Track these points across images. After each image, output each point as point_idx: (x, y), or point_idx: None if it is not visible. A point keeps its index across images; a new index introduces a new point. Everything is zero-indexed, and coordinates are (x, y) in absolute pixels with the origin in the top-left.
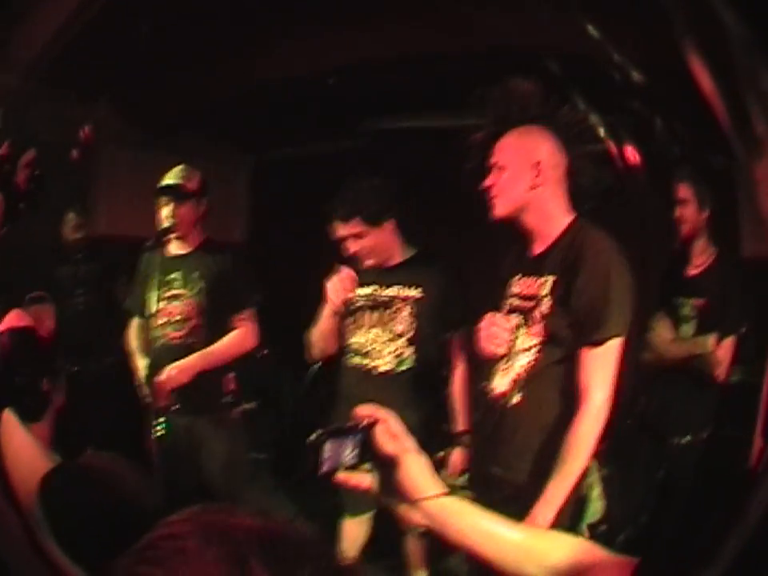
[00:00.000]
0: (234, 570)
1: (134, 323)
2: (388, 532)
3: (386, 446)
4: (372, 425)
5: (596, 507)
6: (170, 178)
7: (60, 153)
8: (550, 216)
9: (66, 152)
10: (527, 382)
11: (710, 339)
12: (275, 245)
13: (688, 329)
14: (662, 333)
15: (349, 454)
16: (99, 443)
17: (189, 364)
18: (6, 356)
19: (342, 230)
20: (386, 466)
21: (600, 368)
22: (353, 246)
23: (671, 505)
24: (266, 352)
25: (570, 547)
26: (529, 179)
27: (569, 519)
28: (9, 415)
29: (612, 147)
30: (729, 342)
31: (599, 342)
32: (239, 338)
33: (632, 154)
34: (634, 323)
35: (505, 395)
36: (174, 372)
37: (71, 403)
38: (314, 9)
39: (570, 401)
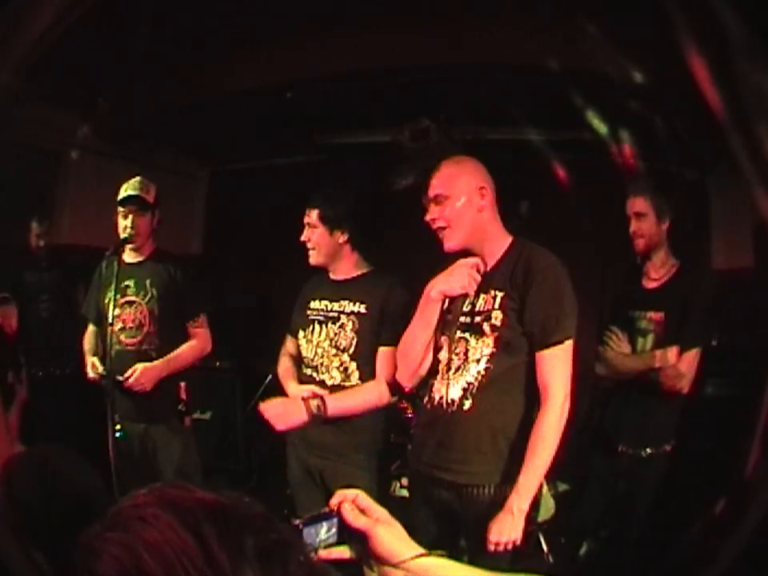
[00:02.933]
0: (187, 535)
1: (90, 329)
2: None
3: (355, 522)
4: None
5: (548, 505)
6: (129, 189)
7: (27, 160)
8: (494, 237)
9: (33, 159)
10: (479, 389)
11: (670, 352)
12: (230, 257)
13: (645, 343)
14: (617, 347)
15: (325, 535)
16: (59, 443)
17: (154, 367)
18: None
19: (305, 216)
20: (362, 539)
21: (558, 367)
22: (306, 234)
23: (633, 518)
24: (218, 364)
25: None
26: (476, 204)
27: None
28: None
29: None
30: (692, 355)
31: (557, 343)
32: (197, 343)
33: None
34: (588, 336)
35: (454, 403)
36: (139, 376)
37: (36, 406)
38: (272, 24)
39: (522, 403)
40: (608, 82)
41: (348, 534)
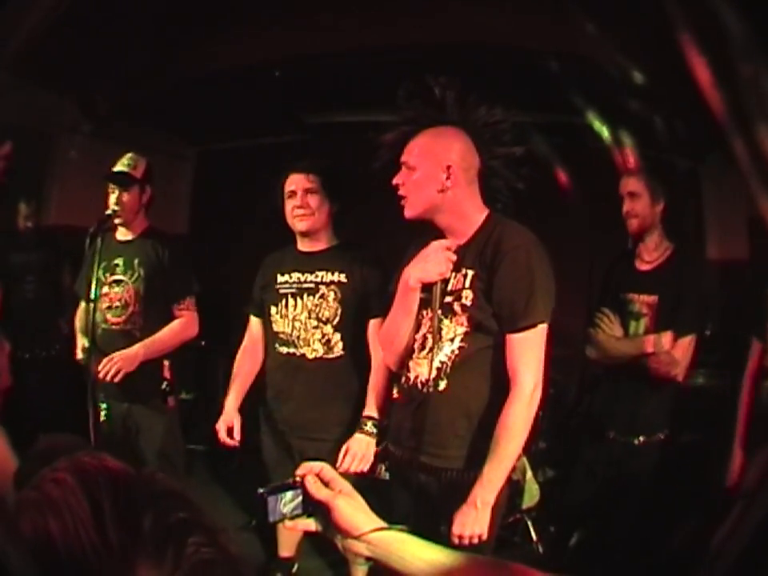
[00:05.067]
0: (85, 502)
1: (81, 306)
2: None
3: (317, 493)
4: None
5: (532, 491)
6: (117, 166)
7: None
8: (464, 215)
9: (25, 142)
10: (453, 369)
11: (665, 337)
12: (216, 237)
13: (638, 326)
14: (608, 330)
15: (290, 506)
16: (46, 427)
17: (133, 353)
18: None
19: (299, 182)
20: (324, 511)
21: (527, 352)
22: (300, 199)
23: (624, 507)
24: (203, 343)
25: (504, 570)
26: (438, 181)
27: (506, 504)
28: None
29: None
30: (687, 342)
31: (525, 328)
32: (181, 326)
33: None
34: (579, 318)
35: (428, 383)
36: (119, 360)
37: (21, 388)
38: (259, 1)
39: (496, 387)
40: (604, 75)
41: (312, 506)
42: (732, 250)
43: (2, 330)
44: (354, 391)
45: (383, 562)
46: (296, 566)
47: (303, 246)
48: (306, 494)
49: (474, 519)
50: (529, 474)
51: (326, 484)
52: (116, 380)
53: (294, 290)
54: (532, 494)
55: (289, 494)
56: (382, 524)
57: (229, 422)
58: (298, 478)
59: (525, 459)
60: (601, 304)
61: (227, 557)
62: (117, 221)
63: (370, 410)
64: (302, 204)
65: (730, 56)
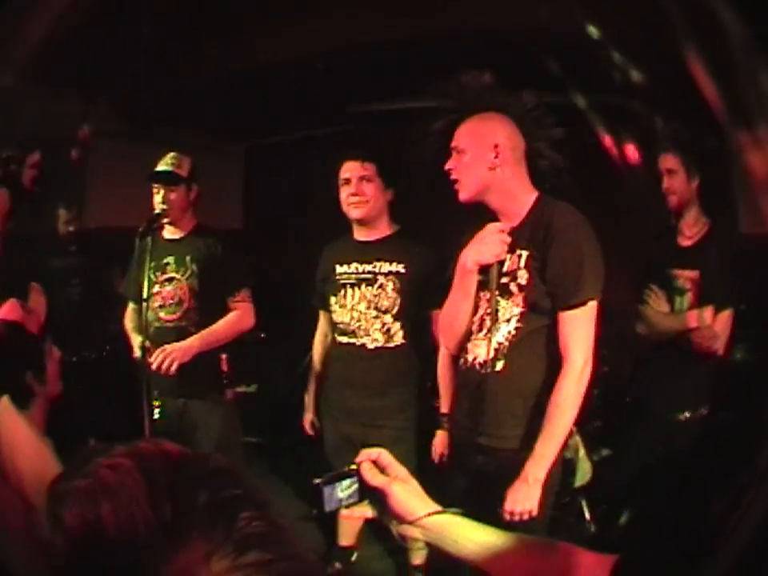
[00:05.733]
0: (141, 480)
1: (130, 307)
2: None
3: (373, 480)
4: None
5: (584, 469)
6: (160, 165)
7: (54, 150)
8: (515, 195)
9: (59, 149)
10: (510, 350)
11: (707, 312)
12: (270, 230)
13: (683, 302)
14: (655, 305)
15: (346, 494)
16: (96, 431)
17: (188, 344)
18: None
19: (354, 169)
20: (380, 497)
21: (578, 329)
22: (355, 187)
23: (669, 484)
24: (263, 336)
25: (552, 550)
26: (488, 160)
27: (559, 482)
28: (5, 401)
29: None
30: (726, 316)
31: (576, 305)
32: (237, 318)
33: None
34: (626, 294)
35: (487, 363)
36: (173, 351)
37: (68, 392)
38: None
39: (551, 366)
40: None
41: (368, 492)
42: (763, 224)
43: (50, 338)
44: (414, 378)
45: (438, 546)
46: (355, 555)
47: (359, 234)
48: (362, 481)
49: (525, 495)
50: (581, 451)
51: (383, 470)
52: (171, 371)
53: (352, 281)
54: (584, 473)
55: (344, 483)
56: (437, 508)
57: (312, 417)
58: (353, 466)
59: (578, 437)
60: (648, 280)
61: (278, 530)
62: (165, 220)
63: (445, 406)
64: (356, 191)
65: (729, 56)
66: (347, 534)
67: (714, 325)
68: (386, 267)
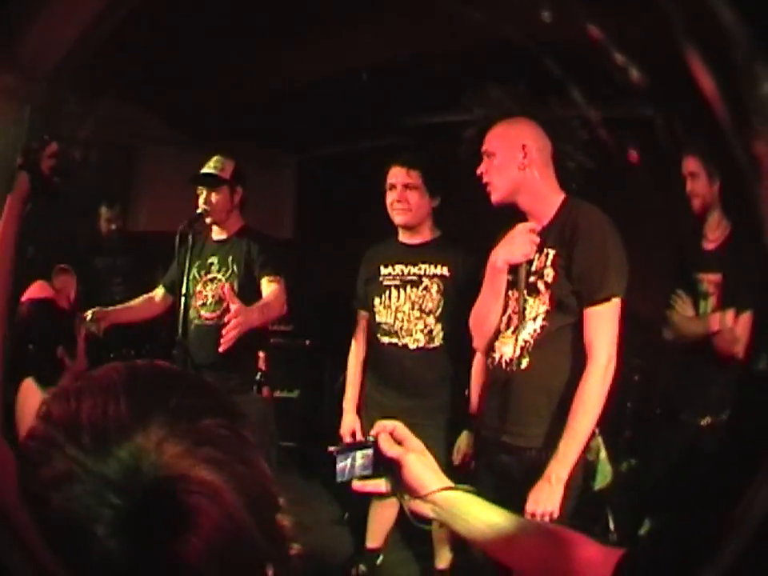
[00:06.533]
0: (123, 374)
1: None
2: None
3: (389, 450)
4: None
5: (605, 471)
6: (204, 168)
7: (97, 151)
8: (543, 196)
9: (102, 151)
10: (535, 347)
11: (728, 315)
12: (322, 241)
13: (706, 306)
14: (682, 310)
15: (359, 465)
16: None
17: (251, 311)
18: (24, 325)
19: (399, 175)
20: (395, 469)
21: (602, 326)
22: (399, 194)
23: (691, 491)
24: (308, 342)
25: (562, 539)
26: (517, 161)
27: (580, 484)
28: (29, 382)
29: (598, 134)
30: (746, 318)
31: (601, 301)
32: (279, 290)
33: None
34: (653, 301)
35: (512, 361)
36: (240, 317)
37: None
38: (345, 7)
39: (575, 365)
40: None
41: (383, 465)
42: None
43: (79, 316)
44: (452, 378)
45: (449, 525)
46: (381, 558)
47: (405, 237)
48: (378, 452)
49: (547, 495)
50: (602, 453)
51: (399, 443)
52: (232, 335)
53: (397, 282)
54: (605, 475)
55: (359, 453)
56: (450, 484)
57: (351, 427)
58: (370, 437)
59: (599, 438)
60: (674, 285)
61: (241, 440)
62: (208, 220)
63: (472, 407)
64: (400, 198)
65: (729, 56)
66: (375, 536)
67: (736, 328)
68: (431, 270)
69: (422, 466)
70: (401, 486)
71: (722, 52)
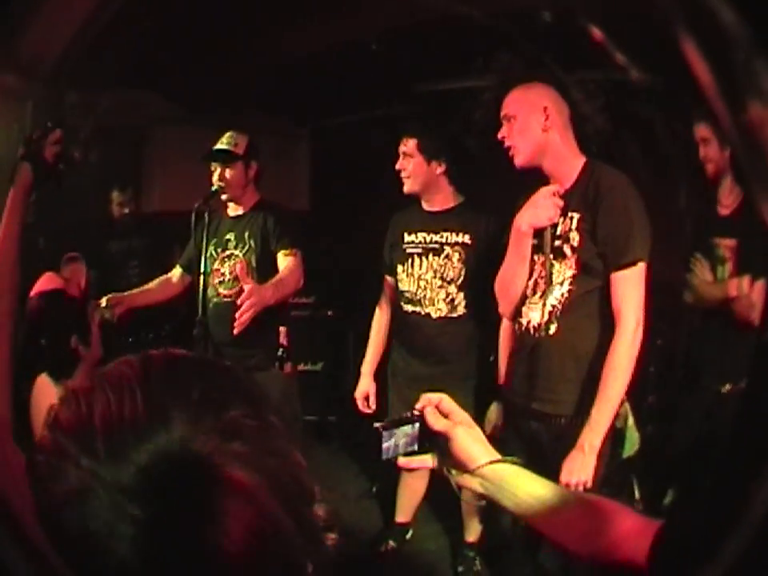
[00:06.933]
0: (138, 369)
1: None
2: (446, 494)
3: (436, 424)
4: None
5: (633, 439)
6: (217, 144)
7: (103, 136)
8: (565, 158)
9: (109, 135)
10: (563, 312)
11: (745, 281)
12: (338, 212)
13: (723, 271)
14: (701, 275)
15: (404, 441)
16: None
17: (264, 288)
18: (34, 319)
19: (401, 145)
20: (442, 443)
21: (629, 290)
22: (401, 163)
23: (712, 460)
24: (330, 313)
25: (604, 510)
26: (539, 122)
27: (609, 452)
28: (44, 379)
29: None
30: (761, 285)
31: (627, 265)
32: (295, 264)
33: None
34: (674, 264)
35: (540, 327)
36: (254, 297)
37: None
38: None
39: (603, 329)
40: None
41: (429, 440)
42: None
43: (92, 303)
44: (477, 349)
45: (495, 499)
46: (410, 532)
47: (426, 204)
48: (424, 426)
49: (581, 465)
50: (630, 420)
51: (445, 416)
52: (246, 317)
53: (419, 250)
54: (633, 442)
55: (404, 429)
56: (498, 456)
57: (365, 390)
58: (416, 412)
59: (627, 405)
60: (693, 249)
61: (268, 428)
62: (224, 197)
63: (501, 378)
64: (400, 167)
65: (729, 56)
66: (405, 510)
67: (752, 294)
68: (452, 238)
69: (470, 440)
70: (448, 461)
71: (722, 52)
